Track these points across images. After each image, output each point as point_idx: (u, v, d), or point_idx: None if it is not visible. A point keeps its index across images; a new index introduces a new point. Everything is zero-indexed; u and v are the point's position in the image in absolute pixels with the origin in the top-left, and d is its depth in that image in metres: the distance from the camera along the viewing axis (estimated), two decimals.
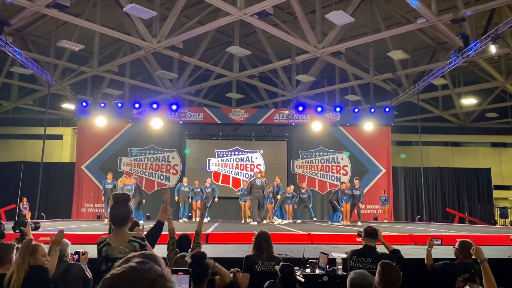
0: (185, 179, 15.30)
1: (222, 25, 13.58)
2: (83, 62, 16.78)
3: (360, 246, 4.60)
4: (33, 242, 3.27)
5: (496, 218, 18.55)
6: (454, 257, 4.50)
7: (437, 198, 19.39)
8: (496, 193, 20.15)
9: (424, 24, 12.31)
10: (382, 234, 4.79)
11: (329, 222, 13.80)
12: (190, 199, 14.53)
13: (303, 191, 14.93)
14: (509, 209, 18.68)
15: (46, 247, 3.35)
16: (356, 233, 6.28)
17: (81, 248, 4.36)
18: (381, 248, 4.61)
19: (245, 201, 14.97)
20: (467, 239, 4.49)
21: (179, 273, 1.33)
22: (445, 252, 6.46)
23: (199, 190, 14.51)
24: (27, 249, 3.14)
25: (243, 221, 14.23)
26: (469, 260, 4.29)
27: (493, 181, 19.80)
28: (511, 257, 5.66)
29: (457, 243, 4.46)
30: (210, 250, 3.66)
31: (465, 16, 11.92)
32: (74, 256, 3.92)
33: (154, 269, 1.14)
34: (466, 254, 4.26)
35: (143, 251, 1.21)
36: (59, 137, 21.31)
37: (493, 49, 11.96)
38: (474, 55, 12.77)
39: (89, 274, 3.70)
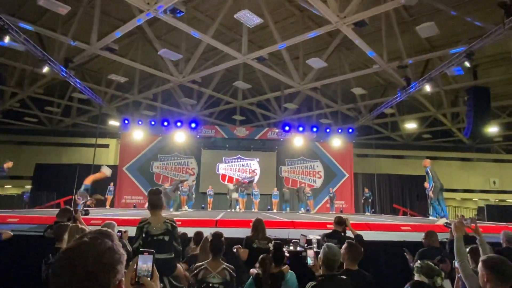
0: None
1: (230, 66, 13.70)
2: (126, 90, 16.82)
3: (330, 231, 4.62)
4: (80, 226, 3.23)
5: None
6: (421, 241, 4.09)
7: (386, 197, 19.41)
8: None
9: (378, 69, 12.49)
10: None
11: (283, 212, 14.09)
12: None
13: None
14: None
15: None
16: (325, 221, 6.25)
17: (122, 228, 4.36)
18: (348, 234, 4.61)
19: (257, 200, 15.93)
20: (432, 230, 4.15)
21: (144, 253, 1.23)
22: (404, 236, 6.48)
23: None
24: (77, 232, 3.07)
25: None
26: (436, 244, 3.95)
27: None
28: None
29: (425, 232, 4.08)
30: None
31: (407, 63, 12.11)
32: (118, 233, 3.90)
33: (104, 243, 1.00)
34: (432, 240, 3.96)
35: (100, 229, 1.08)
36: (106, 146, 21.22)
37: (428, 88, 12.08)
38: (414, 92, 12.91)
39: (129, 248, 3.70)
